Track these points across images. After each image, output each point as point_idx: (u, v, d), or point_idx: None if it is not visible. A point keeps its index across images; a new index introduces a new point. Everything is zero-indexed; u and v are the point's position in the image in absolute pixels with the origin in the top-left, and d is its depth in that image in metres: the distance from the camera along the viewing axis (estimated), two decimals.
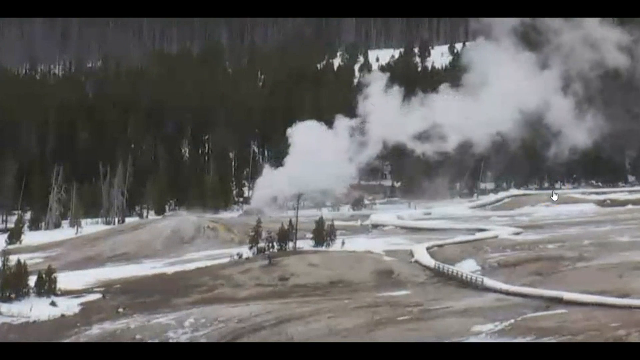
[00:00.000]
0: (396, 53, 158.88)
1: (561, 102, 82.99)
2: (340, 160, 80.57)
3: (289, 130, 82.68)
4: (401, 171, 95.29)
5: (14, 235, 71.72)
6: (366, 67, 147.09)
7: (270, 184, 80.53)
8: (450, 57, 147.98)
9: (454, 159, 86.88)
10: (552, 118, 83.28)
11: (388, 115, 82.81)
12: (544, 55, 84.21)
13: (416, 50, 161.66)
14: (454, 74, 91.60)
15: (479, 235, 61.11)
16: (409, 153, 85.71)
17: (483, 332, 38.91)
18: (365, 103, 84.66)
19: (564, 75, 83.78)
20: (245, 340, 40.63)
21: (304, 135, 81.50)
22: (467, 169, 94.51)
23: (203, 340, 41.21)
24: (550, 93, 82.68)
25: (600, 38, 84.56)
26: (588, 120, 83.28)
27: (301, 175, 76.00)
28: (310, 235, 58.48)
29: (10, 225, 79.02)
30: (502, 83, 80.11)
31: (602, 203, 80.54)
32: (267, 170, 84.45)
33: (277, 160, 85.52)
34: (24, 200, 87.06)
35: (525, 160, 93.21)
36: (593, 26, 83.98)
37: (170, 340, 41.36)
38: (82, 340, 42.29)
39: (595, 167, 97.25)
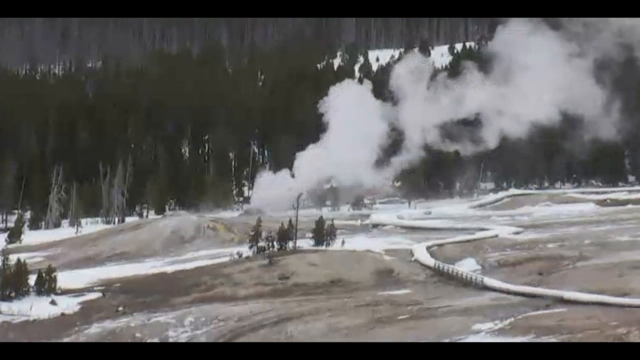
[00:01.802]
0: (396, 53, 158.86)
1: (590, 92, 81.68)
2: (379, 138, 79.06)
3: (325, 101, 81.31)
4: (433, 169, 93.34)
5: (14, 234, 71.74)
6: (366, 67, 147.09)
7: (309, 171, 78.26)
8: (450, 57, 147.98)
9: (490, 154, 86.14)
10: (580, 108, 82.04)
11: (421, 102, 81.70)
12: (573, 40, 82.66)
13: (416, 50, 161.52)
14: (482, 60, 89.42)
15: (479, 234, 61.10)
16: (440, 150, 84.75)
17: (483, 330, 38.92)
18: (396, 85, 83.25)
19: (593, 64, 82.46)
20: (245, 339, 40.65)
21: (345, 99, 79.65)
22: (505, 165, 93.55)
23: (203, 339, 41.25)
24: (580, 81, 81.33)
25: (630, 28, 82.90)
26: (613, 112, 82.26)
27: (341, 155, 74.36)
28: (310, 235, 58.50)
29: (10, 224, 79.03)
30: (535, 68, 78.82)
31: (602, 203, 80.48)
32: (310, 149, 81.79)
33: (277, 160, 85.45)
34: (24, 200, 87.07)
35: (547, 155, 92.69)
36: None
37: (170, 339, 41.40)
38: (81, 339, 42.35)
39: (595, 167, 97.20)
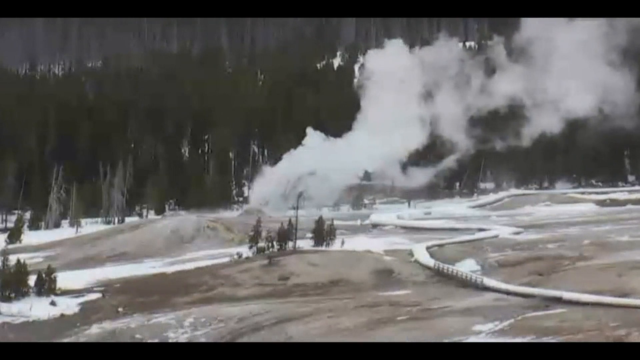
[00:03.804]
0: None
1: (619, 80, 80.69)
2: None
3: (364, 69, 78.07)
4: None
5: (14, 234, 71.74)
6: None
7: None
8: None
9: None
10: (610, 100, 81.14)
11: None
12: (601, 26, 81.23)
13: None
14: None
15: (478, 234, 61.13)
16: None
17: (483, 331, 38.91)
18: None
19: (619, 54, 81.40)
20: (244, 340, 40.63)
21: (390, 69, 76.17)
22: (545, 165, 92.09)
23: (203, 340, 41.22)
24: (609, 70, 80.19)
25: None
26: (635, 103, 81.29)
27: (385, 145, 71.37)
28: (310, 235, 58.47)
29: (10, 224, 79.02)
30: (568, 55, 77.59)
31: (602, 203, 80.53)
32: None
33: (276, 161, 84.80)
34: (24, 200, 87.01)
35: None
36: None
37: (170, 340, 41.38)
38: (81, 339, 42.31)
39: (595, 167, 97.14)
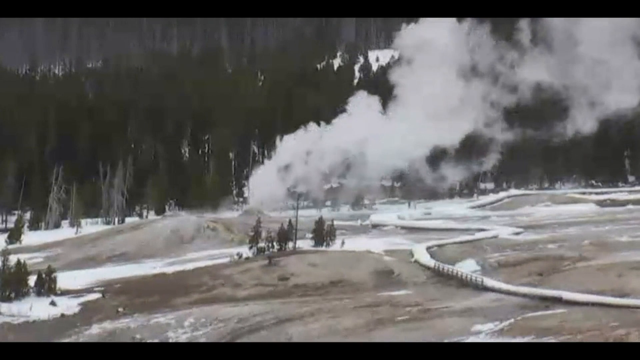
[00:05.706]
0: (396, 54, 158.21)
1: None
2: None
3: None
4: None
5: (14, 235, 71.73)
6: (366, 67, 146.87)
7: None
8: None
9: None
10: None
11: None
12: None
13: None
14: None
15: (479, 235, 61.15)
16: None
17: (483, 331, 38.92)
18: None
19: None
20: (244, 340, 40.64)
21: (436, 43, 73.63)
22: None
23: (203, 340, 41.23)
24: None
25: None
26: None
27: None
28: (310, 235, 58.47)
29: (10, 225, 79.00)
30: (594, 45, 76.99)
31: (602, 203, 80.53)
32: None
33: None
34: (24, 200, 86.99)
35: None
36: None
37: (170, 340, 41.39)
38: (81, 339, 42.34)
39: (595, 167, 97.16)
